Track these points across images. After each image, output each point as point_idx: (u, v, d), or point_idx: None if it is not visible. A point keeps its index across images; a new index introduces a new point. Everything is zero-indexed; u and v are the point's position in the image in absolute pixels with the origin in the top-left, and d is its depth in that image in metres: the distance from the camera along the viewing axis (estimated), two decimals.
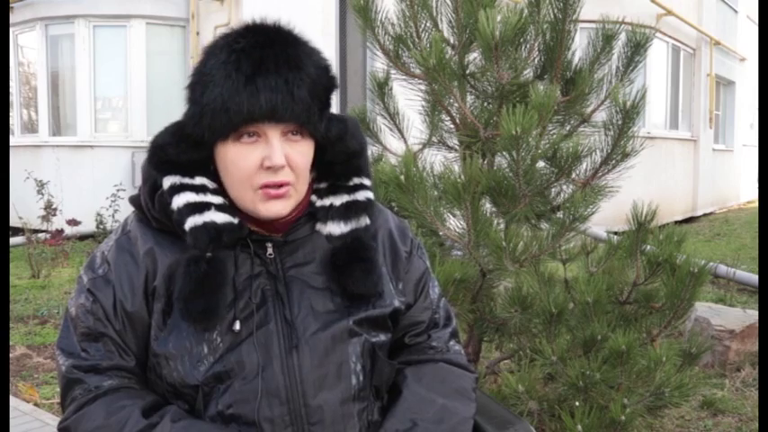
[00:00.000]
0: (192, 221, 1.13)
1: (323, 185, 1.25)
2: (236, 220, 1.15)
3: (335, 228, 1.22)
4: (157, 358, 1.17)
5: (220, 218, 1.14)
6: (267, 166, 1.11)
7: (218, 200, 1.16)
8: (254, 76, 1.08)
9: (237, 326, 1.15)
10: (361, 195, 1.25)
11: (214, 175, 1.18)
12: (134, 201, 1.24)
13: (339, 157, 1.22)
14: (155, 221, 1.20)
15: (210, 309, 1.12)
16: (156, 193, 1.18)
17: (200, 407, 1.15)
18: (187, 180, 1.15)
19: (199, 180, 1.16)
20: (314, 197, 1.24)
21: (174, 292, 1.14)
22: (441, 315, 1.36)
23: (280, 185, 1.13)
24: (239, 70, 1.09)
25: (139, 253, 1.18)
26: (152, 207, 1.18)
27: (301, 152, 1.15)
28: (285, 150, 1.12)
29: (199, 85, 1.12)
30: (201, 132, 1.12)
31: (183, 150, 1.15)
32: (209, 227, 1.12)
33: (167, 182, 1.16)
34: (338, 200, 1.23)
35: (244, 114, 1.08)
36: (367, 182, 1.27)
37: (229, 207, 1.16)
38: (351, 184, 1.25)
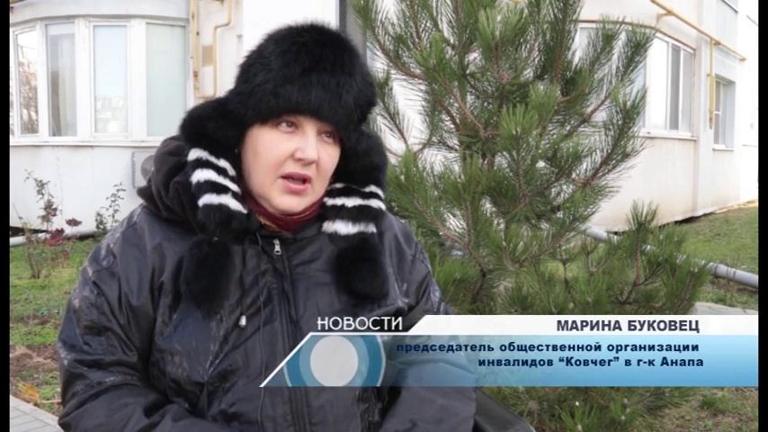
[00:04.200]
0: (207, 199, 1.14)
1: (338, 186, 1.26)
2: (245, 211, 1.16)
3: (342, 227, 1.23)
4: (162, 353, 1.17)
5: (234, 204, 1.15)
6: (299, 158, 1.13)
7: (234, 187, 1.17)
8: (310, 70, 1.12)
9: (244, 321, 1.15)
10: (375, 203, 1.26)
11: (234, 161, 1.19)
12: (144, 192, 1.24)
13: (362, 168, 1.25)
14: (165, 210, 1.20)
15: (212, 288, 1.12)
16: (170, 179, 1.18)
17: (203, 405, 1.15)
18: (213, 159, 1.16)
19: (222, 163, 1.17)
20: (326, 198, 1.25)
21: (181, 277, 1.14)
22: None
23: (303, 180, 1.15)
24: (298, 61, 1.12)
25: (147, 247, 1.18)
26: (165, 195, 1.18)
27: (330, 155, 1.18)
28: (317, 148, 1.14)
29: (255, 65, 1.15)
30: (245, 111, 1.14)
31: (219, 126, 1.16)
32: (223, 209, 1.13)
33: (194, 154, 1.17)
34: (351, 201, 1.24)
35: (292, 104, 1.11)
36: (381, 193, 1.28)
37: (242, 198, 1.17)
38: (366, 190, 1.26)
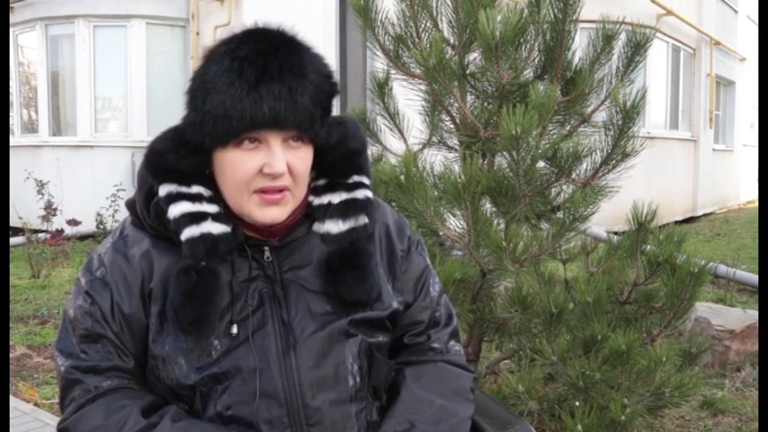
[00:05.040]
0: (188, 232, 1.13)
1: (321, 182, 1.24)
2: (230, 229, 1.15)
3: (333, 226, 1.21)
4: (155, 360, 1.17)
5: (216, 228, 1.14)
6: (267, 173, 1.11)
7: (213, 209, 1.15)
8: (257, 83, 1.07)
9: (235, 329, 1.15)
10: (360, 194, 1.24)
11: (209, 181, 1.17)
12: (130, 205, 1.24)
13: (340, 158, 1.22)
14: (150, 229, 1.20)
15: (201, 319, 1.12)
16: (151, 201, 1.17)
17: (198, 407, 1.15)
18: (184, 189, 1.15)
19: (195, 189, 1.15)
20: (311, 197, 1.24)
21: (167, 303, 1.14)
22: (442, 313, 1.36)
23: (278, 190, 1.13)
24: (242, 77, 1.08)
25: (135, 256, 1.18)
26: (147, 215, 1.19)
27: (301, 158, 1.15)
28: (286, 157, 1.12)
29: (200, 91, 1.11)
30: (202, 139, 1.11)
31: (181, 156, 1.14)
32: (206, 238, 1.12)
33: (164, 190, 1.15)
34: (337, 197, 1.23)
35: (246, 122, 1.08)
36: (366, 180, 1.26)
37: (224, 216, 1.16)
38: (350, 182, 1.24)
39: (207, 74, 1.11)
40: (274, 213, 1.15)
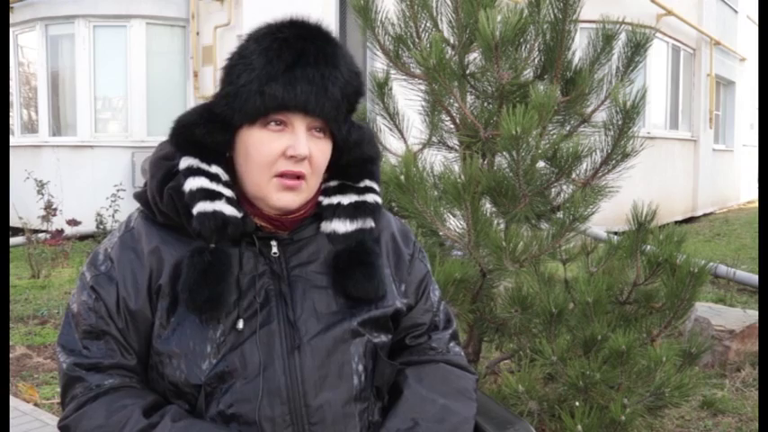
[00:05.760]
0: (201, 206, 1.13)
1: (332, 184, 1.26)
2: (240, 215, 1.16)
3: (341, 226, 1.22)
4: (160, 356, 1.17)
5: (228, 210, 1.14)
6: (290, 155, 1.13)
7: (228, 192, 1.16)
8: (293, 65, 1.11)
9: (241, 324, 1.15)
10: (370, 198, 1.26)
11: (227, 165, 1.18)
12: (139, 196, 1.24)
13: (354, 161, 1.24)
14: (161, 216, 1.19)
15: (215, 298, 1.12)
16: (165, 185, 1.18)
17: (201, 406, 1.15)
18: (204, 166, 1.16)
19: (215, 169, 1.16)
20: (321, 197, 1.25)
21: (179, 284, 1.14)
22: (441, 318, 1.37)
23: (297, 176, 1.14)
24: (280, 58, 1.11)
25: (144, 251, 1.18)
26: (159, 201, 1.18)
27: (322, 150, 1.17)
28: (308, 144, 1.14)
29: (237, 66, 1.14)
30: (232, 114, 1.13)
31: (208, 131, 1.15)
32: (218, 215, 1.13)
33: (185, 162, 1.16)
34: (346, 199, 1.24)
35: (278, 101, 1.10)
36: (376, 187, 1.28)
37: (236, 201, 1.17)
38: (361, 185, 1.26)
39: (246, 51, 1.14)
40: (289, 199, 1.16)
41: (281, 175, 1.14)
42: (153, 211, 1.20)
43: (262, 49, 1.12)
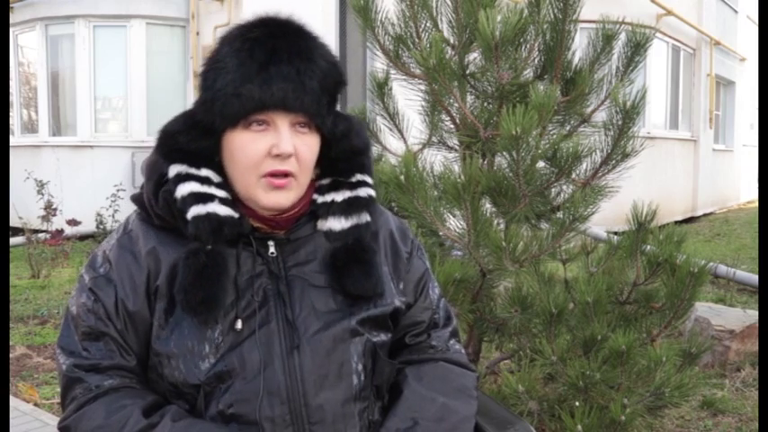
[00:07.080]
0: (195, 211, 1.13)
1: (325, 182, 1.26)
2: (237, 215, 1.16)
3: (336, 223, 1.23)
4: (159, 357, 1.17)
5: (223, 210, 1.14)
6: (275, 154, 1.12)
7: (221, 193, 1.16)
8: (267, 64, 1.10)
9: (239, 324, 1.15)
10: (363, 192, 1.25)
11: (219, 168, 1.18)
12: (136, 199, 1.24)
13: (343, 154, 1.24)
14: (157, 219, 1.20)
15: (210, 299, 1.12)
16: (160, 189, 1.18)
17: (200, 406, 1.15)
18: (193, 170, 1.16)
19: (204, 172, 1.16)
20: (316, 195, 1.25)
21: (175, 285, 1.14)
22: (440, 315, 1.37)
23: (284, 175, 1.14)
24: (253, 58, 1.11)
25: (141, 252, 1.18)
26: (155, 204, 1.18)
27: (308, 145, 1.16)
28: (293, 141, 1.13)
29: (212, 72, 1.14)
30: (212, 119, 1.13)
31: (192, 138, 1.15)
32: (212, 217, 1.13)
33: (174, 170, 1.16)
34: (340, 196, 1.24)
35: (255, 101, 1.10)
36: (369, 179, 1.28)
37: (232, 202, 1.17)
38: (353, 180, 1.25)
39: (219, 55, 1.14)
40: (280, 198, 1.16)
41: (269, 175, 1.14)
42: (149, 213, 1.21)
43: (234, 51, 1.12)
